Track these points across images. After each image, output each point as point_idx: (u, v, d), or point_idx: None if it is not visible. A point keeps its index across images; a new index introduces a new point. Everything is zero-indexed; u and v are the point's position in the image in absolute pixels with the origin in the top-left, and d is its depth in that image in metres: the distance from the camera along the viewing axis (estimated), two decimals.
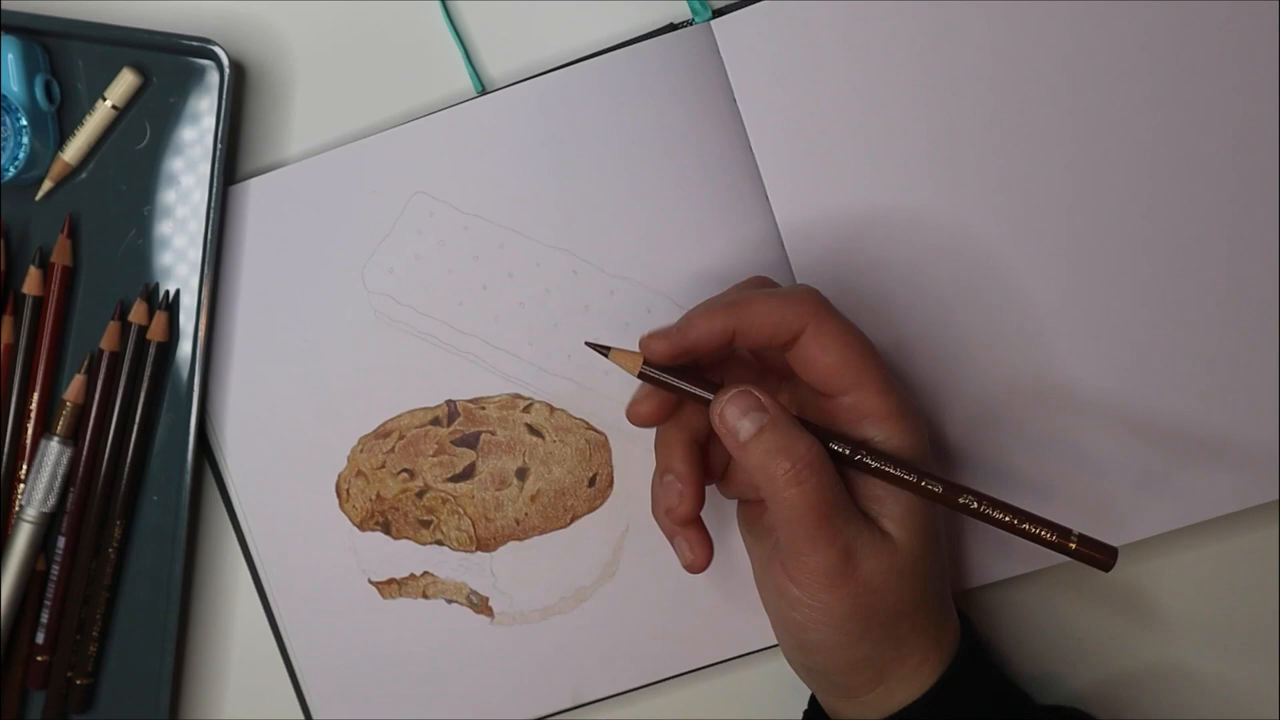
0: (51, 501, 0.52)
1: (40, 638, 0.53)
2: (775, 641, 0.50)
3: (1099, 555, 0.41)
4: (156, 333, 0.52)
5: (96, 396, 0.52)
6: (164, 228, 0.53)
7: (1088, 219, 0.50)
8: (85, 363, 0.52)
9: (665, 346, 0.43)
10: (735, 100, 0.50)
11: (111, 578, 0.53)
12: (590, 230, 0.51)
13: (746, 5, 0.50)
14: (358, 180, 0.52)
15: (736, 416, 0.43)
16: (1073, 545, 0.41)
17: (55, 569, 0.52)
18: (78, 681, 0.53)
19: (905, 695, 0.44)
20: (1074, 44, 0.50)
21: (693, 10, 0.51)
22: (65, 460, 0.52)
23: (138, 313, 0.52)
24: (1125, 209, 0.50)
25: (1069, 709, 0.48)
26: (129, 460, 0.52)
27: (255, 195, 0.52)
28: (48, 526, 0.52)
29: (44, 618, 0.53)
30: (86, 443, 0.52)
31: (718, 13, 0.50)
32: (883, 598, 0.42)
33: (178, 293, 0.53)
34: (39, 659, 0.53)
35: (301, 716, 0.53)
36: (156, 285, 0.53)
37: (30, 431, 0.52)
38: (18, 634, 0.53)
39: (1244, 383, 0.50)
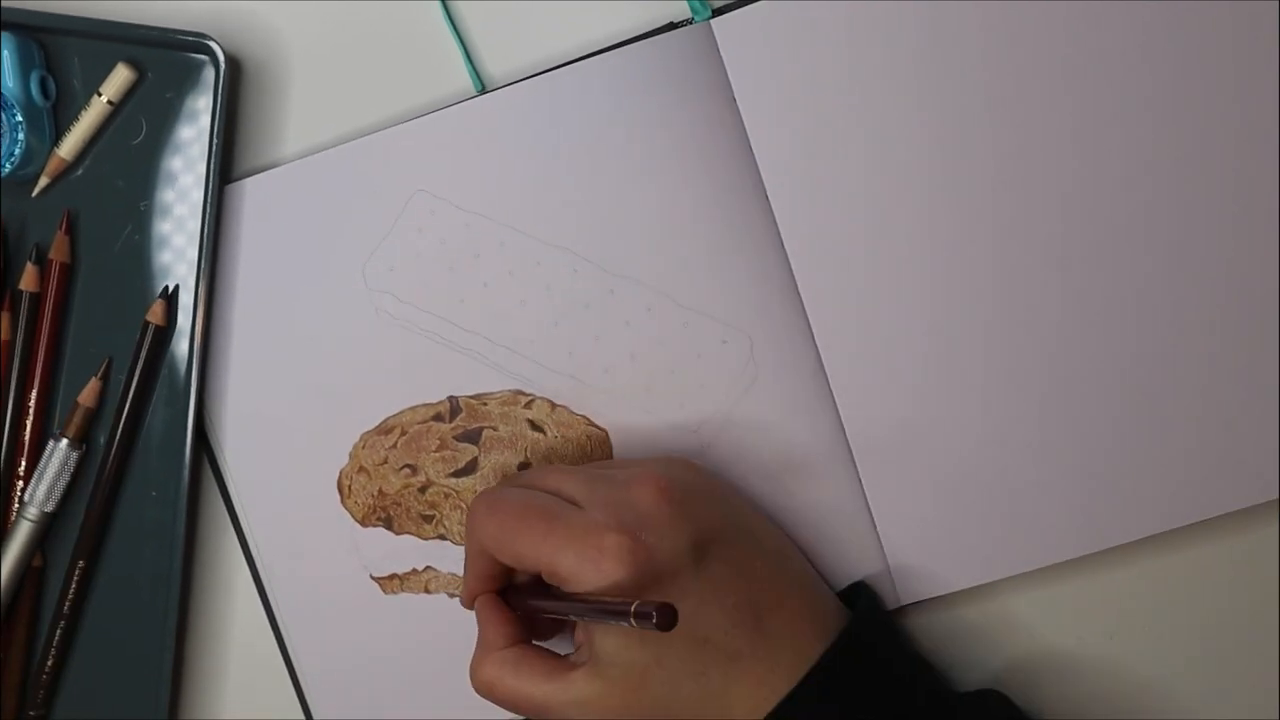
0: (54, 503, 0.52)
1: None
2: None
3: (657, 617, 0.39)
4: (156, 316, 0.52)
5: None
6: (161, 224, 0.53)
7: (1088, 218, 0.50)
8: (102, 367, 0.52)
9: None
10: (735, 100, 0.50)
11: (75, 595, 0.53)
12: (590, 229, 0.51)
13: (746, 4, 0.50)
14: (359, 178, 0.52)
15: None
16: (635, 622, 0.40)
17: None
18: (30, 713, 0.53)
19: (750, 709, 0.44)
20: (1074, 44, 0.50)
21: (693, 10, 0.51)
22: (73, 463, 0.52)
23: (155, 313, 0.52)
24: (1125, 208, 0.50)
25: (991, 691, 0.48)
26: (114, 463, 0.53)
27: (256, 192, 0.52)
28: (47, 526, 0.52)
29: None
30: (113, 449, 0.52)
31: (717, 12, 0.51)
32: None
33: (176, 287, 0.53)
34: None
35: (301, 714, 0.53)
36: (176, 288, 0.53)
37: (29, 428, 0.52)
38: (13, 632, 0.52)
39: (1244, 382, 0.50)
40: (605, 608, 0.41)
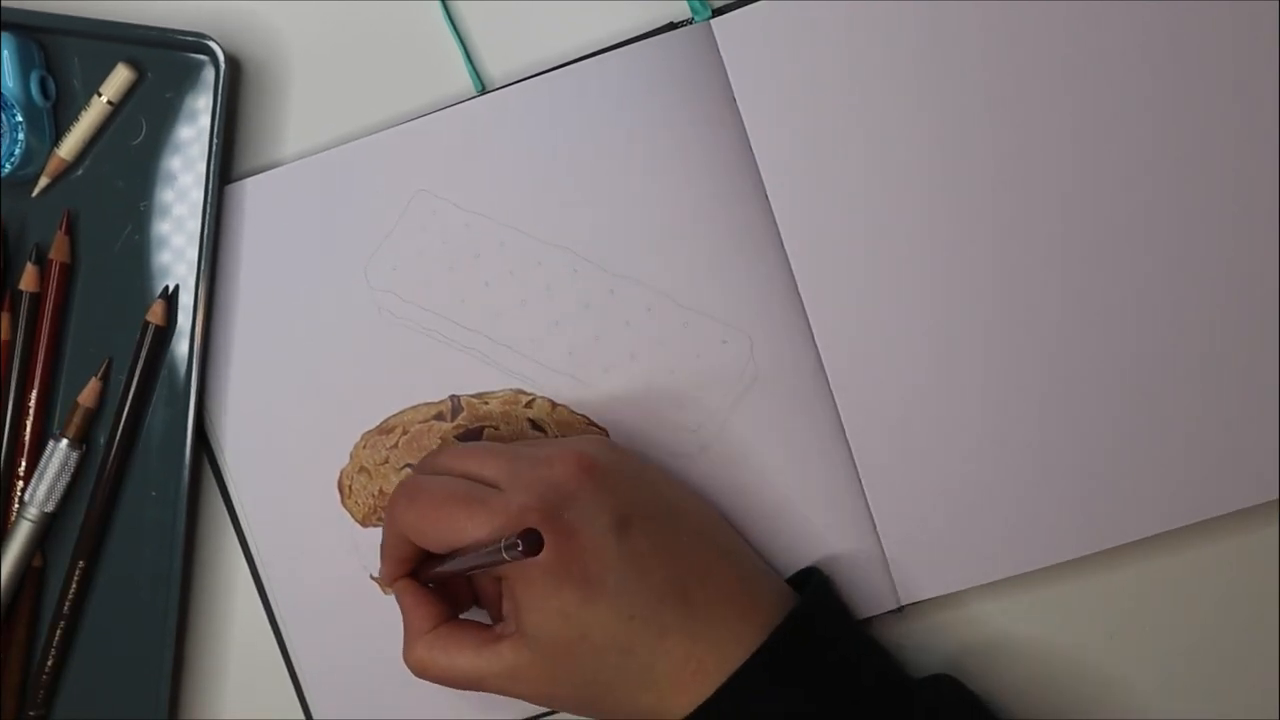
0: (54, 503, 0.52)
1: None
2: None
3: (523, 545, 0.39)
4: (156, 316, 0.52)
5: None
6: (161, 224, 0.53)
7: (1087, 218, 0.50)
8: (102, 367, 0.52)
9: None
10: (735, 100, 0.50)
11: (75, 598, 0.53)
12: (591, 229, 0.51)
13: (746, 4, 0.50)
14: (360, 178, 0.52)
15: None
16: (506, 554, 0.40)
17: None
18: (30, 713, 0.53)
19: (686, 700, 0.44)
20: (1074, 44, 0.50)
21: (693, 10, 0.51)
22: (74, 463, 0.52)
23: (155, 313, 0.52)
24: (1125, 208, 0.50)
25: (944, 676, 0.48)
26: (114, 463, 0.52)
27: (257, 192, 0.52)
28: (47, 526, 0.52)
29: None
30: (113, 449, 0.52)
31: (717, 12, 0.51)
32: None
33: (176, 287, 0.53)
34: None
35: (301, 714, 0.53)
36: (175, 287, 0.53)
37: (29, 428, 0.52)
38: (13, 631, 0.52)
39: (1244, 382, 0.50)
40: (488, 554, 0.42)
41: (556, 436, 0.51)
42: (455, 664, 0.46)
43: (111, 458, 0.52)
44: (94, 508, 0.52)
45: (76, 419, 0.52)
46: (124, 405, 0.52)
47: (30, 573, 0.52)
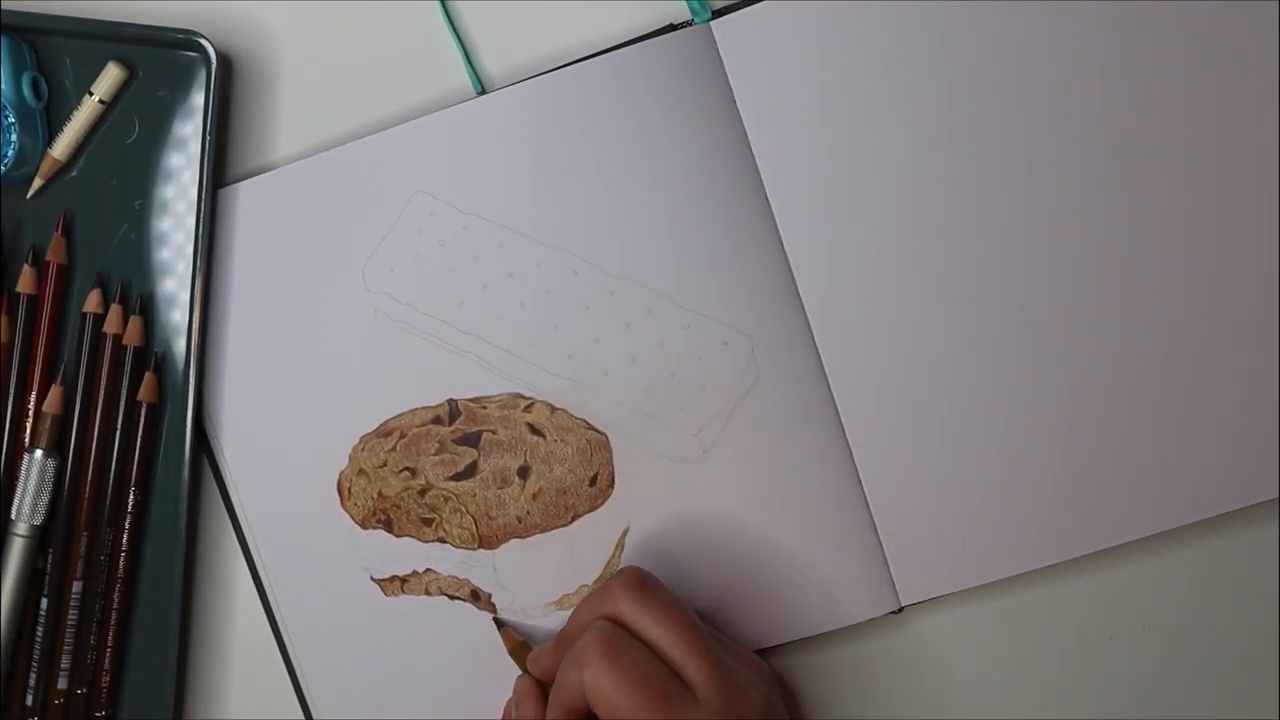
0: (41, 514, 0.51)
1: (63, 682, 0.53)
2: (782, 639, 0.51)
3: None
4: (132, 337, 0.52)
5: (14, 369, 0.52)
6: (156, 223, 0.53)
7: (1088, 218, 0.50)
8: (61, 373, 0.52)
9: (539, 671, 0.50)
10: (735, 100, 0.50)
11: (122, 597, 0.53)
12: (590, 230, 0.51)
13: (746, 5, 0.50)
14: (359, 179, 0.51)
15: (511, 704, 0.50)
16: None
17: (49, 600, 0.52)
18: (97, 714, 0.53)
19: None
20: (1075, 44, 0.50)
21: (692, 10, 0.50)
22: (52, 472, 0.51)
23: (111, 321, 0.52)
24: (1126, 208, 0.50)
25: None
26: (114, 470, 0.52)
27: (254, 193, 0.52)
28: (40, 537, 0.52)
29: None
30: (71, 454, 0.52)
31: (717, 13, 0.50)
32: None
33: (150, 296, 0.52)
34: (56, 702, 0.53)
35: (301, 714, 0.53)
36: (127, 285, 0.53)
37: (29, 430, 0.52)
38: (18, 644, 0.52)
39: (1244, 382, 0.50)
40: None
41: (556, 441, 0.51)
42: None
43: (94, 469, 0.52)
44: (85, 515, 0.52)
45: (45, 427, 0.51)
46: (93, 411, 0.52)
47: (34, 576, 0.52)
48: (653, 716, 0.43)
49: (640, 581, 0.46)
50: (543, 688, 0.49)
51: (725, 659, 0.46)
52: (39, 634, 0.52)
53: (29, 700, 0.52)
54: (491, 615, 0.52)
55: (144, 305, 0.52)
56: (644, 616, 0.46)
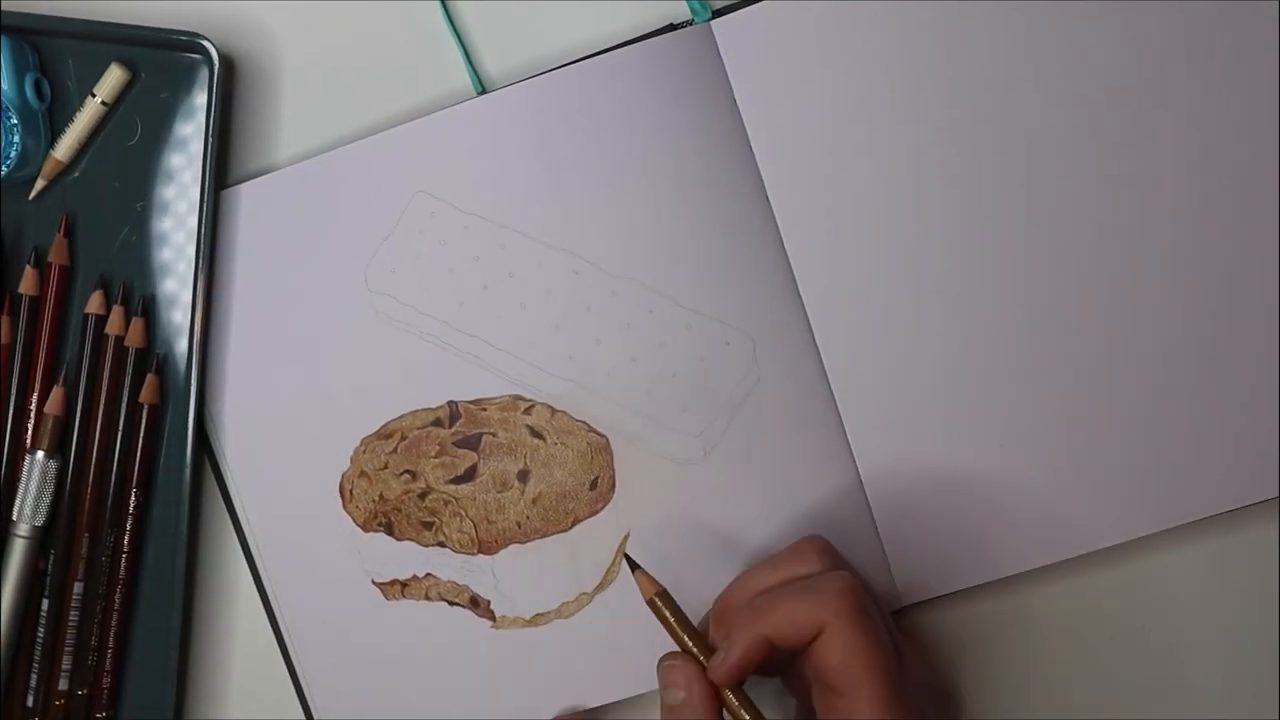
0: (42, 516, 0.51)
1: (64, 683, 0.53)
2: None
3: None
4: (134, 339, 0.52)
5: (13, 364, 0.52)
6: (158, 224, 0.53)
7: (1087, 216, 0.50)
8: (63, 375, 0.52)
9: (724, 676, 0.45)
10: (735, 100, 0.50)
11: (123, 597, 0.53)
12: (591, 231, 0.51)
13: (746, 5, 0.50)
14: (360, 179, 0.52)
15: (663, 685, 0.47)
16: None
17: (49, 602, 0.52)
18: (98, 715, 0.53)
19: None
20: (1075, 43, 0.50)
21: (693, 10, 0.50)
22: (53, 473, 0.51)
23: (113, 323, 0.52)
24: (1125, 206, 0.50)
25: None
26: (115, 471, 0.52)
27: (256, 195, 0.52)
28: (41, 539, 0.52)
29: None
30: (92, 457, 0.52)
31: (718, 13, 0.50)
32: None
33: (152, 297, 0.53)
34: (57, 703, 0.53)
35: (302, 714, 0.53)
36: (129, 287, 0.53)
37: (30, 431, 0.52)
38: (20, 645, 0.53)
39: (1244, 382, 0.50)
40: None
41: (556, 444, 0.51)
42: None
43: (94, 470, 0.52)
44: (87, 516, 0.52)
45: (47, 429, 0.51)
46: (95, 412, 0.52)
47: (35, 577, 0.52)
48: (888, 683, 0.43)
49: (834, 549, 0.47)
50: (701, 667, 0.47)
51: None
52: (40, 635, 0.52)
53: (30, 701, 0.52)
54: (624, 556, 0.50)
55: (146, 307, 0.52)
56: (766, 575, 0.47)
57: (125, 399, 0.52)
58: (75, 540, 0.52)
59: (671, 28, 0.51)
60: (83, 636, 0.52)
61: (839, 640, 0.44)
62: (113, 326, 0.52)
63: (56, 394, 0.52)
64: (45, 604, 0.52)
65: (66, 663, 0.52)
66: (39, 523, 0.51)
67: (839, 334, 0.51)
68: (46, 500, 0.51)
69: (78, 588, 0.52)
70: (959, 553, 0.51)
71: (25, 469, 0.51)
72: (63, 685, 0.52)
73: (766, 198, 0.50)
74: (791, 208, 0.50)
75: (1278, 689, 0.52)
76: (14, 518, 0.51)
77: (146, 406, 0.52)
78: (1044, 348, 0.51)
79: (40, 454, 0.51)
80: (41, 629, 0.52)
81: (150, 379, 0.52)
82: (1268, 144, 0.50)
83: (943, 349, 0.51)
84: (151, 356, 0.53)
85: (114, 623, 0.52)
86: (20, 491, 0.51)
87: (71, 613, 0.52)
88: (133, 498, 0.52)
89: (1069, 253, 0.50)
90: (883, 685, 0.43)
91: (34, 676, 0.52)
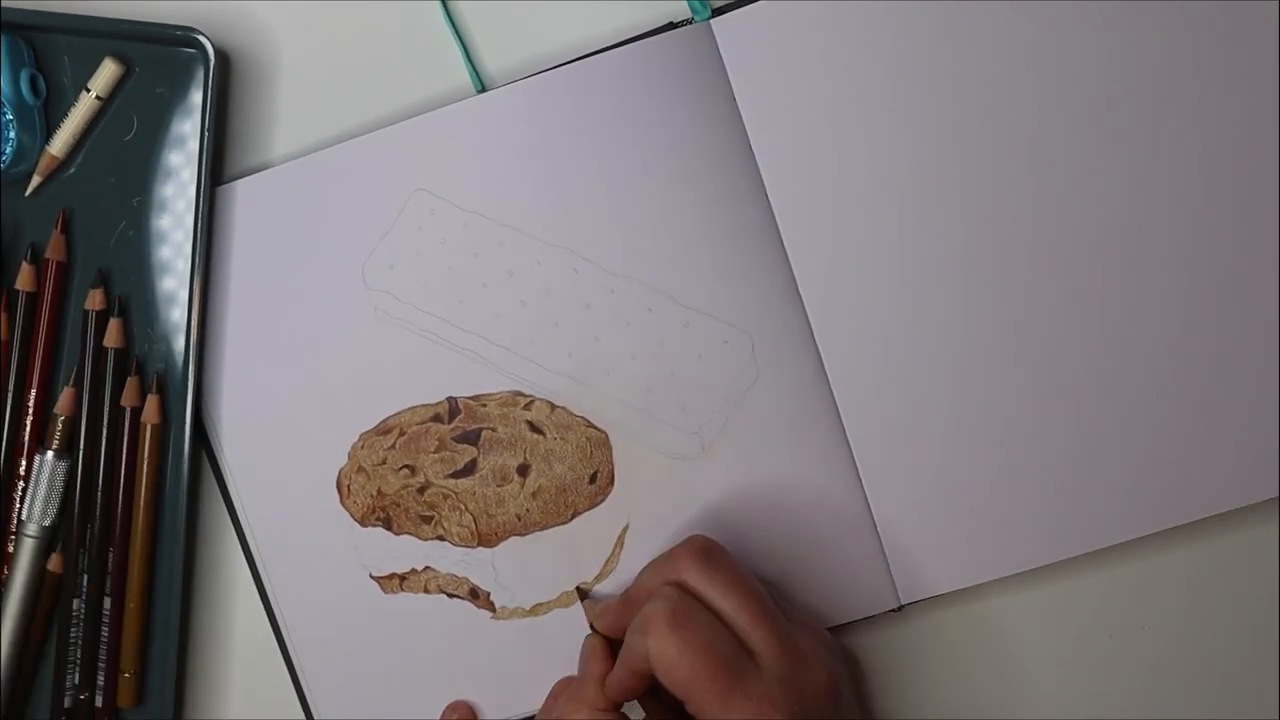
0: (51, 516, 0.51)
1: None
2: None
3: None
4: (112, 339, 0.52)
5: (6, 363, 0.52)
6: (155, 220, 0.53)
7: (1088, 217, 0.50)
8: (74, 374, 0.52)
9: (607, 703, 0.48)
10: (735, 99, 0.50)
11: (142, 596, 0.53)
12: (591, 228, 0.51)
13: (746, 4, 0.50)
14: (359, 176, 0.51)
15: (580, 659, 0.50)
16: None
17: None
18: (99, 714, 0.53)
19: None
20: (1075, 44, 0.50)
21: (693, 9, 0.50)
22: (63, 474, 0.51)
23: (111, 336, 0.52)
24: (1126, 207, 0.50)
25: None
26: (123, 478, 0.52)
27: (254, 190, 0.52)
28: (50, 539, 0.52)
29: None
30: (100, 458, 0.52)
31: (718, 12, 0.50)
32: None
33: (127, 299, 0.52)
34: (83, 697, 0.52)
35: (302, 714, 0.53)
36: (125, 300, 0.52)
37: (28, 428, 0.52)
38: (27, 645, 0.52)
39: (1244, 382, 0.50)
40: None
41: (555, 439, 0.51)
42: None
43: (101, 466, 0.52)
44: (94, 517, 0.52)
45: (58, 429, 0.51)
46: (96, 411, 0.52)
47: (48, 578, 0.52)
48: (716, 686, 0.43)
49: (707, 550, 0.47)
50: (609, 644, 0.48)
51: (791, 630, 0.46)
52: (72, 635, 0.52)
53: (65, 703, 0.52)
54: (576, 588, 0.52)
55: (123, 307, 0.52)
56: (710, 585, 0.46)
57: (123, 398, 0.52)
58: (80, 540, 0.52)
59: (671, 26, 0.51)
60: (87, 635, 0.52)
61: (659, 660, 0.44)
62: (110, 339, 0.52)
63: (67, 394, 0.51)
64: (75, 604, 0.52)
65: (73, 659, 0.52)
66: (48, 523, 0.51)
67: (838, 332, 0.51)
68: (56, 501, 0.51)
69: (82, 587, 0.52)
70: (959, 551, 0.51)
71: (35, 469, 0.51)
72: (70, 684, 0.52)
73: (766, 196, 0.50)
74: (791, 206, 0.50)
75: (1278, 689, 0.52)
76: (23, 518, 0.51)
77: (145, 405, 0.52)
78: (1044, 347, 0.51)
79: (50, 454, 0.51)
80: (73, 629, 0.52)
81: (134, 381, 0.52)
82: (1268, 144, 0.50)
83: (943, 348, 0.51)
84: (152, 369, 0.52)
85: (129, 622, 0.52)
86: (29, 492, 0.51)
87: (78, 611, 0.52)
88: (143, 496, 0.52)
89: (1069, 253, 0.50)
90: (709, 691, 0.44)
91: (74, 677, 0.52)
